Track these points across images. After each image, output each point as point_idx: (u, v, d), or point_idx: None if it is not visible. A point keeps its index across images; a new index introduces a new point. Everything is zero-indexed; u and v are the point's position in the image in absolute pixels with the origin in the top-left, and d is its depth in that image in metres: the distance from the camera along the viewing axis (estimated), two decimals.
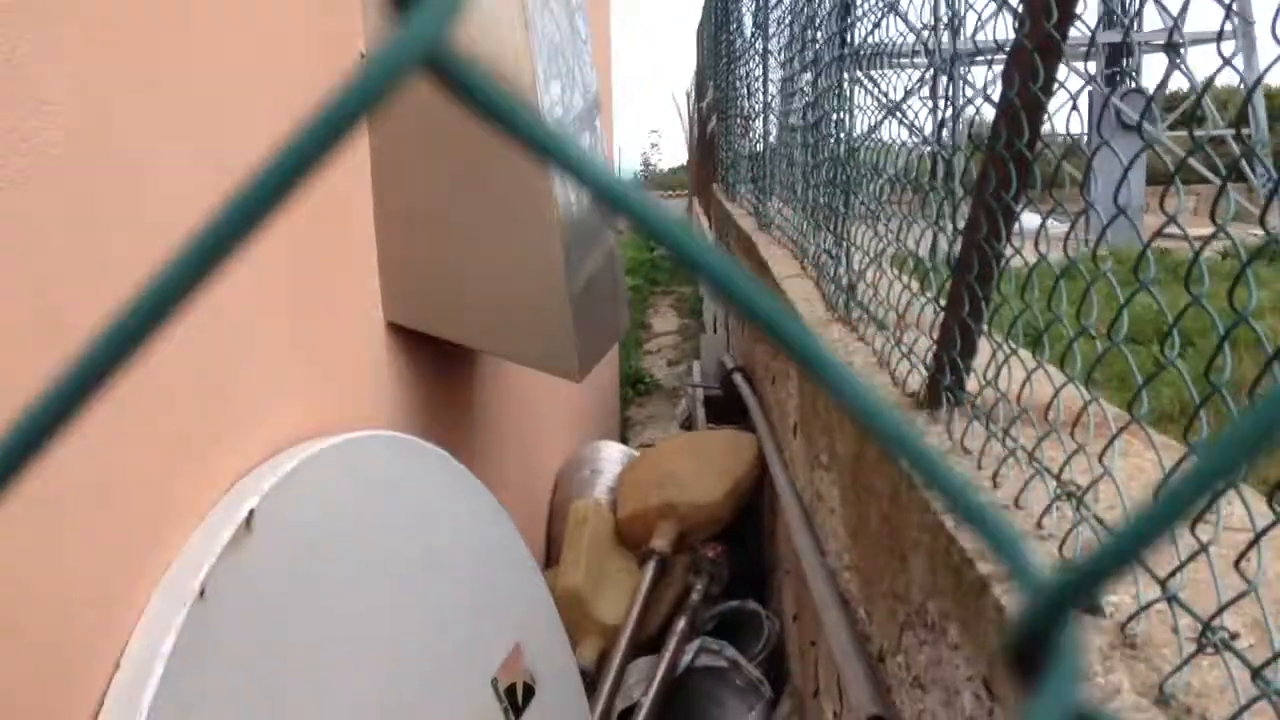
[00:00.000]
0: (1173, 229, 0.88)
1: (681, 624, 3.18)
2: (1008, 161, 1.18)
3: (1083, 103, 1.14)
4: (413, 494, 2.21)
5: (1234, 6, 0.82)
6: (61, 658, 1.34)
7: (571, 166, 0.22)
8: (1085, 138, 1.18)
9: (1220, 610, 0.71)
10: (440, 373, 2.68)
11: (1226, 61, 0.86)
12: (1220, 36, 0.82)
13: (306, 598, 1.85)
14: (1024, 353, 1.28)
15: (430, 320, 2.40)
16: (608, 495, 3.78)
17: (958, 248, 1.39)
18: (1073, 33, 1.08)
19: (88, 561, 1.39)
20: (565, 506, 3.69)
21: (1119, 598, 0.89)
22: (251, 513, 1.68)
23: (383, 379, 2.37)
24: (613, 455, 4.08)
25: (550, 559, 3.79)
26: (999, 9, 1.30)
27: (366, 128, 2.29)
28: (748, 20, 5.77)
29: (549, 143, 0.21)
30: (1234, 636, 0.73)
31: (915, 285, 1.77)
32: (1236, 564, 0.69)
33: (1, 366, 1.19)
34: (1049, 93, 1.08)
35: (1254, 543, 0.68)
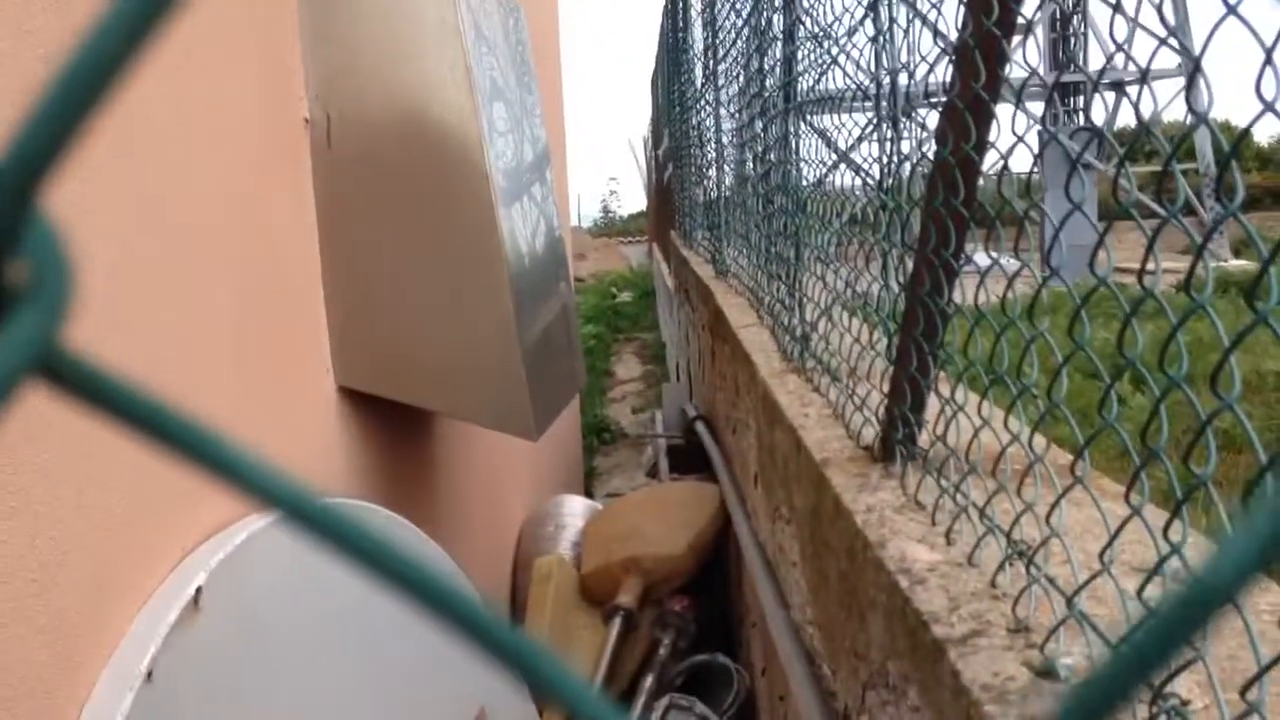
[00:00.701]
0: (1127, 263, 0.87)
1: (649, 680, 3.14)
2: (945, 219, 1.18)
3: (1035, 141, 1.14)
4: None
5: (1175, 42, 0.82)
6: None
7: (229, 468, 0.20)
8: (1036, 175, 1.18)
9: (1170, 678, 0.70)
10: (395, 435, 2.65)
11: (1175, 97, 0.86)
12: (1145, 76, 0.82)
13: (259, 675, 1.80)
14: (972, 406, 1.28)
15: (382, 383, 2.37)
16: (572, 550, 3.74)
17: (903, 302, 1.40)
18: (1021, 73, 1.09)
19: (27, 647, 1.35)
20: (529, 563, 3.64)
21: (1073, 660, 0.88)
22: (199, 590, 1.64)
23: (335, 444, 2.33)
24: (576, 509, 4.04)
25: (515, 617, 3.74)
26: (940, 57, 1.31)
27: (311, 190, 2.27)
28: (698, 71, 5.83)
29: (183, 434, 0.19)
30: (1185, 702, 0.72)
31: (866, 336, 1.77)
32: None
33: None
34: (983, 151, 1.08)
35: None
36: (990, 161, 1.12)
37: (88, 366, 0.17)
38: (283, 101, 2.19)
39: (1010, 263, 1.16)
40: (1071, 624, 0.89)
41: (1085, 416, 1.84)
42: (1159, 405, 0.72)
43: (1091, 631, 0.86)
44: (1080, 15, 13.66)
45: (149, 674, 1.52)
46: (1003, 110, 1.12)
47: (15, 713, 1.32)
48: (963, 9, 1.13)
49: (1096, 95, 0.99)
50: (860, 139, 1.74)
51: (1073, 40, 14.45)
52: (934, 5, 1.33)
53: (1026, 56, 1.06)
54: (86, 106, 0.15)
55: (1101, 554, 0.84)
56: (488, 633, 0.20)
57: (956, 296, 1.28)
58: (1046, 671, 0.89)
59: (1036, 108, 1.12)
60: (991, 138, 1.08)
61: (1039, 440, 1.08)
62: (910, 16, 1.53)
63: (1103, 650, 0.82)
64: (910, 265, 1.35)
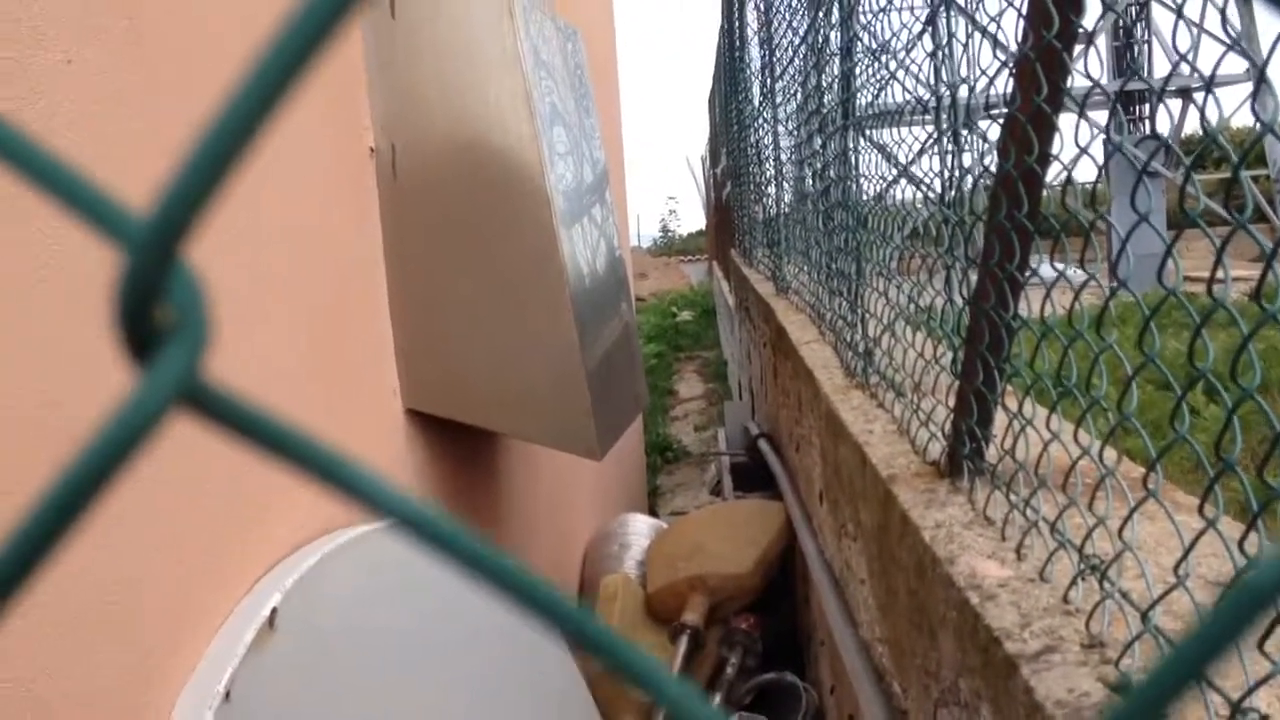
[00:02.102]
0: (1196, 272, 0.86)
1: (717, 699, 3.12)
2: (1009, 232, 1.18)
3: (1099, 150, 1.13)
4: (437, 582, 2.20)
5: (1241, 47, 0.81)
6: None
7: (351, 484, 0.21)
8: (1100, 186, 1.16)
9: (1247, 694, 0.69)
10: (461, 456, 2.68)
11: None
12: (1210, 83, 0.82)
13: (332, 694, 1.83)
14: (1041, 420, 1.26)
15: (449, 405, 2.41)
16: (637, 569, 3.74)
17: (967, 316, 1.39)
18: (1083, 83, 1.08)
19: (111, 669, 1.39)
20: (595, 582, 3.65)
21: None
22: (274, 611, 1.68)
23: (404, 466, 2.37)
24: (640, 528, 4.05)
25: None
26: (999, 70, 1.30)
27: (378, 218, 2.32)
28: (755, 89, 5.84)
29: (322, 461, 0.20)
30: (1265, 718, 0.70)
31: (930, 351, 1.76)
32: (1261, 645, 0.67)
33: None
34: (1045, 164, 1.08)
35: (1276, 622, 0.66)
36: (1054, 172, 1.11)
37: (225, 395, 0.18)
38: (349, 132, 2.25)
39: (1077, 274, 1.15)
40: (1147, 639, 0.88)
41: (1157, 429, 1.81)
42: (1231, 416, 0.71)
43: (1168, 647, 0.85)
44: (1144, 23, 13.44)
45: (227, 694, 1.56)
46: (1066, 120, 1.11)
47: None
48: (1022, 22, 1.13)
49: (1161, 103, 0.98)
50: (920, 153, 1.74)
51: (1136, 48, 14.19)
52: (993, 19, 1.32)
53: (1088, 66, 1.05)
54: (224, 170, 0.17)
55: (1176, 568, 0.82)
56: (580, 626, 0.21)
57: (1024, 309, 1.27)
58: (1122, 687, 0.87)
59: (1100, 117, 1.10)
60: (1055, 149, 1.08)
61: (1110, 453, 1.06)
62: (970, 30, 1.53)
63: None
64: (974, 279, 1.34)
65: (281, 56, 0.17)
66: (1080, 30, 1.00)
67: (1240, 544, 0.74)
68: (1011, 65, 1.13)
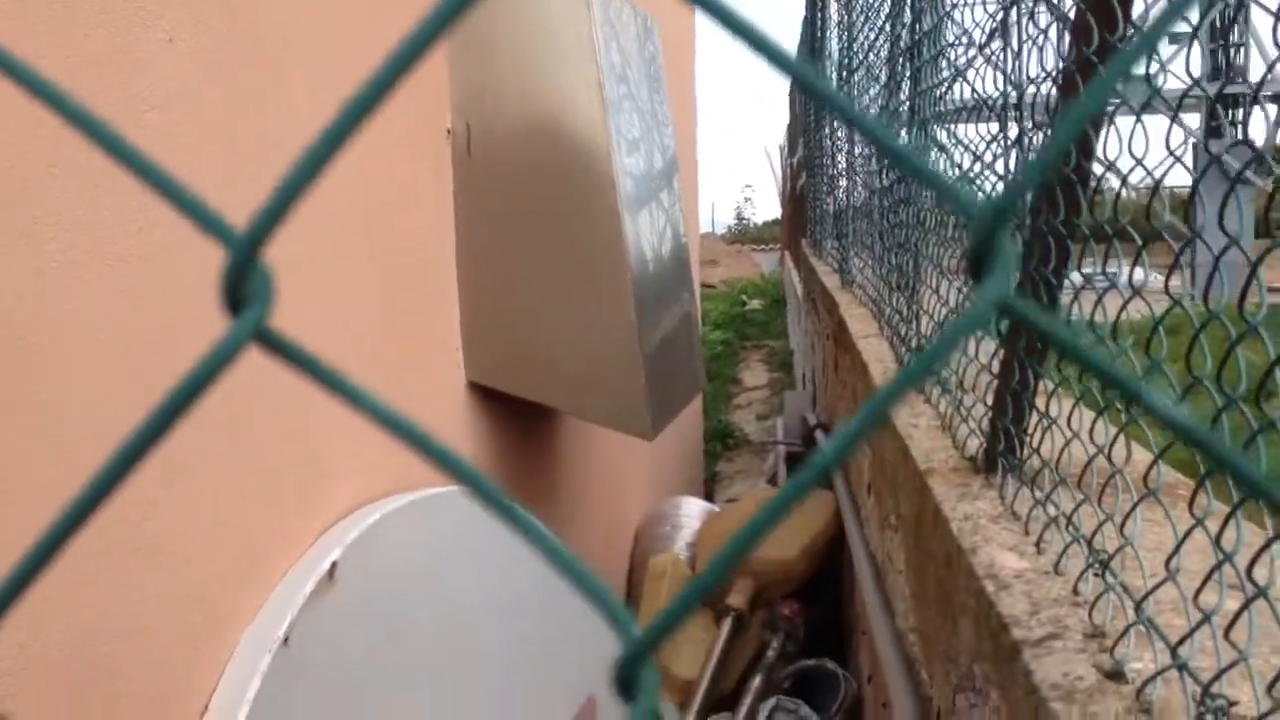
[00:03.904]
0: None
1: (757, 681, 3.19)
2: (1047, 236, 1.22)
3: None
4: (490, 548, 2.29)
5: None
6: (157, 697, 1.44)
7: (380, 414, 0.28)
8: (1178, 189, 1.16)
9: (1214, 679, 0.74)
10: (520, 429, 2.78)
11: None
12: None
13: (385, 646, 1.93)
14: (1064, 419, 1.30)
15: (509, 379, 2.50)
16: (687, 551, 3.82)
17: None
18: (1175, 84, 1.08)
19: (181, 608, 1.50)
20: (645, 561, 3.73)
21: (1141, 665, 0.91)
22: (334, 564, 1.78)
23: (464, 435, 2.47)
24: (692, 511, 4.12)
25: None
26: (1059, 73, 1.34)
27: (451, 196, 2.42)
28: (833, 80, 5.84)
29: (359, 395, 0.28)
30: (1232, 704, 0.75)
31: (974, 349, 1.80)
32: (1226, 634, 0.72)
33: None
34: (1084, 176, 1.12)
35: (1242, 610, 0.70)
36: (1138, 177, 1.12)
37: (284, 339, 0.26)
38: (428, 113, 2.34)
39: (1155, 279, 1.13)
40: (1144, 629, 0.93)
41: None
42: (1218, 417, 0.75)
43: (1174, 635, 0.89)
44: (1242, 25, 13.04)
45: (285, 639, 1.66)
46: (1157, 122, 1.09)
47: (168, 666, 1.48)
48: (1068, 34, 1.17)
49: (1259, 107, 0.98)
50: (980, 155, 1.77)
51: (1232, 51, 13.79)
52: (1059, 19, 1.35)
53: (1189, 67, 1.04)
54: (299, 193, 0.24)
55: (1167, 562, 0.87)
56: (584, 578, 0.28)
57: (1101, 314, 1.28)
58: (1115, 674, 0.92)
59: (1192, 120, 1.09)
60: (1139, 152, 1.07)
61: (1119, 452, 1.10)
62: (1038, 32, 1.56)
63: (1164, 651, 0.85)
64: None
65: (363, 101, 0.25)
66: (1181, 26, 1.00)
67: (1217, 540, 0.79)
68: (1057, 76, 1.17)
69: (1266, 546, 0.71)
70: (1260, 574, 0.72)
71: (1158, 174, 1.02)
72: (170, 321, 1.45)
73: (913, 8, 2.45)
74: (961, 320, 0.26)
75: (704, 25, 6.92)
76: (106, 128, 0.27)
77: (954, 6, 2.09)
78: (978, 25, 1.97)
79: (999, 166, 1.75)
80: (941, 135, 2.23)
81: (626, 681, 0.27)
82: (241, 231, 0.27)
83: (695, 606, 0.27)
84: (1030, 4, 1.61)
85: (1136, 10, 1.05)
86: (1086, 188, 1.20)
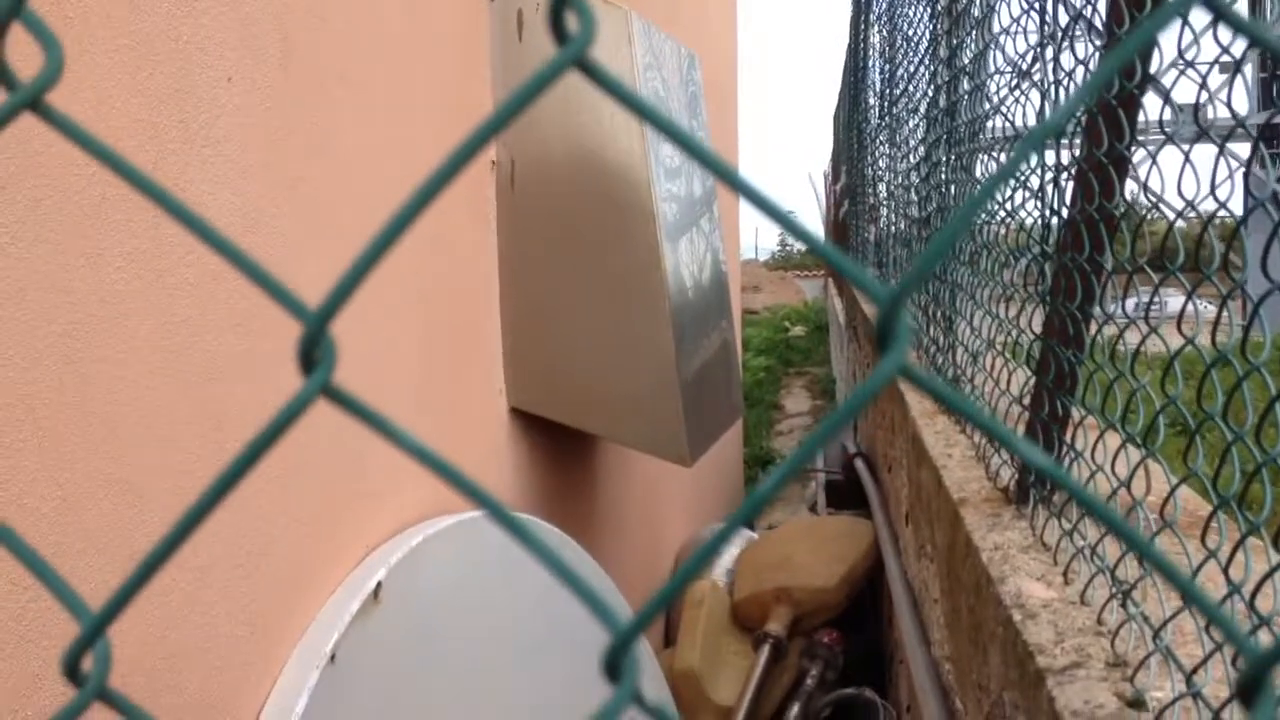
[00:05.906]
0: None
1: (795, 710, 3.20)
2: (1074, 273, 1.25)
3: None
4: (530, 572, 2.32)
5: None
6: (209, 711, 1.50)
7: (431, 462, 0.33)
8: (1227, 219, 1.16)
9: (1223, 706, 0.76)
10: (560, 455, 2.82)
11: None
12: None
13: (428, 665, 1.98)
14: (1108, 451, 1.32)
15: (550, 406, 2.55)
16: (725, 577, 3.83)
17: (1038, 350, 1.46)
18: (1225, 114, 1.09)
19: (232, 624, 1.56)
20: (684, 587, 3.75)
21: (1161, 693, 0.93)
22: (379, 584, 1.83)
23: (505, 461, 2.52)
24: (731, 537, 4.13)
25: (669, 639, 3.86)
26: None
27: (494, 226, 2.48)
28: (875, 110, 5.87)
29: (412, 444, 0.33)
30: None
31: (1006, 381, 1.82)
32: (1234, 662, 0.74)
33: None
34: (1108, 215, 1.15)
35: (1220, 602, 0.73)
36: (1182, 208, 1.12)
37: (348, 394, 0.31)
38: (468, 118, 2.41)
39: (1207, 309, 1.12)
40: (1163, 658, 0.95)
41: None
42: (1226, 452, 0.78)
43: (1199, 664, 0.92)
44: None
45: (332, 656, 1.72)
46: (1204, 153, 1.09)
47: (219, 681, 1.53)
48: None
49: None
50: (1012, 192, 1.80)
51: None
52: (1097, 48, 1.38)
53: (1233, 98, 1.04)
54: (366, 273, 0.29)
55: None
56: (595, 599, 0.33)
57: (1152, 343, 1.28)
58: (1136, 702, 0.95)
59: (1242, 150, 1.08)
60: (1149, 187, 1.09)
61: (1139, 485, 1.12)
62: (1070, 69, 1.59)
63: (1180, 679, 0.88)
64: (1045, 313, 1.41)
65: (413, 207, 0.30)
66: (1228, 57, 1.00)
67: (1225, 569, 0.81)
68: (1080, 118, 1.21)
69: (1268, 577, 0.73)
70: (1263, 604, 0.75)
71: (1204, 207, 1.02)
72: (218, 341, 1.51)
73: (949, 45, 2.49)
74: (866, 384, 0.31)
75: (746, 54, 6.99)
76: (193, 213, 0.33)
77: (998, 34, 2.12)
78: (1020, 56, 2.00)
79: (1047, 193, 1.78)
80: (978, 168, 2.26)
81: (613, 666, 0.31)
82: (314, 308, 0.32)
83: (666, 606, 0.31)
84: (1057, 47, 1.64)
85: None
86: (1112, 226, 1.23)
